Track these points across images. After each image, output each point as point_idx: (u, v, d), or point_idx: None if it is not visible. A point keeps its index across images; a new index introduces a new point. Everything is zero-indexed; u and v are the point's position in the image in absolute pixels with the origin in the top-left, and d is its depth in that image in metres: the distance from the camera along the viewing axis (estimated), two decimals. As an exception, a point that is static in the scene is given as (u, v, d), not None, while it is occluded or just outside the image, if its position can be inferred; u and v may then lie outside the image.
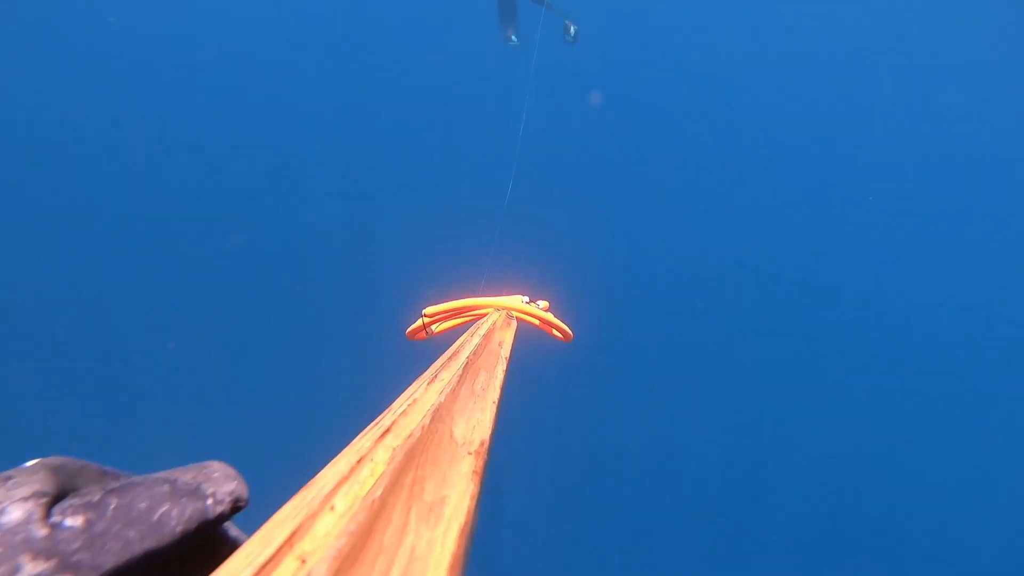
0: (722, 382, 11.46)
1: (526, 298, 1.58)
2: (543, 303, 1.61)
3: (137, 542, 0.41)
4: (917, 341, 11.99)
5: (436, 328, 1.49)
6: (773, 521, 10.69)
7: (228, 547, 0.50)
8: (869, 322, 12.03)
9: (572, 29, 5.42)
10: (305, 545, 0.36)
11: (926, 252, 12.23)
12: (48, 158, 8.82)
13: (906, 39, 11.50)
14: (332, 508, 0.40)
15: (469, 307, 1.47)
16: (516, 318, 1.43)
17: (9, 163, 8.63)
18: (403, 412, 0.62)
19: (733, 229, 11.96)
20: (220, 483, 0.49)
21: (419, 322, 1.47)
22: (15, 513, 0.37)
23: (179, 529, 0.43)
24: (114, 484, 0.44)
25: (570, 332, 1.54)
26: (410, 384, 0.77)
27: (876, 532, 10.70)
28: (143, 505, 0.43)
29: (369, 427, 0.59)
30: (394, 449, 0.51)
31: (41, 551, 0.35)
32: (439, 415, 0.63)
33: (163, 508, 0.43)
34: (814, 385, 11.37)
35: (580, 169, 11.29)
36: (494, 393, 0.78)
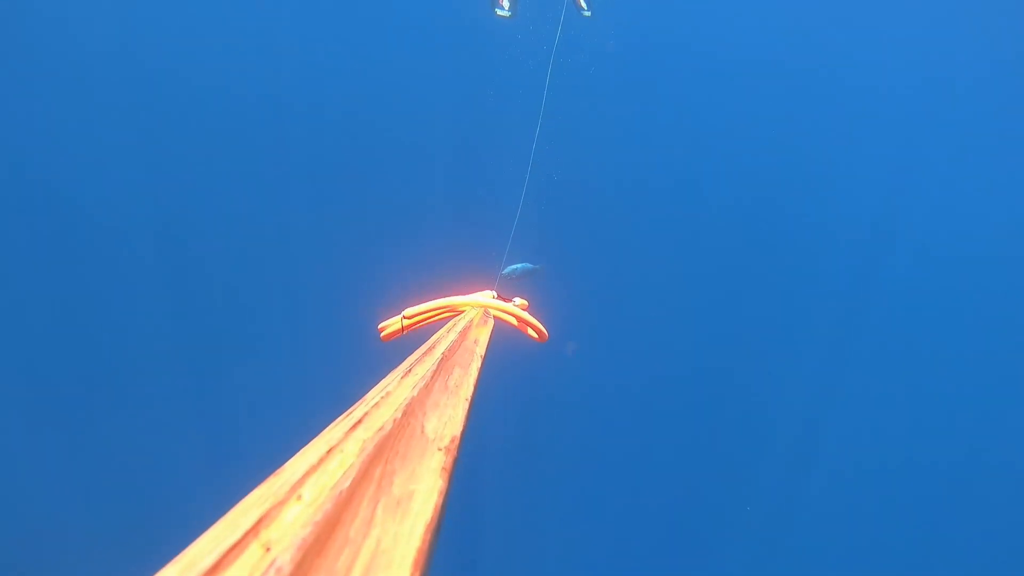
0: (706, 380, 11.47)
1: (493, 294, 1.59)
2: (521, 301, 1.62)
3: None
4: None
5: (411, 327, 1.50)
6: (755, 515, 10.80)
7: None
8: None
9: (583, 2, 5.35)
10: (271, 533, 0.36)
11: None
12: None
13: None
14: (299, 497, 0.40)
15: (448, 306, 1.47)
16: (494, 316, 1.44)
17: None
18: (375, 404, 0.62)
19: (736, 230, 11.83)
20: None
21: (396, 321, 1.47)
22: None
23: None
24: None
25: (545, 332, 1.55)
26: (384, 376, 0.77)
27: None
28: None
29: (340, 418, 0.59)
30: (364, 441, 0.51)
31: None
32: (411, 409, 0.63)
33: None
34: (799, 390, 11.42)
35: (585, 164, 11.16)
36: (468, 390, 0.79)
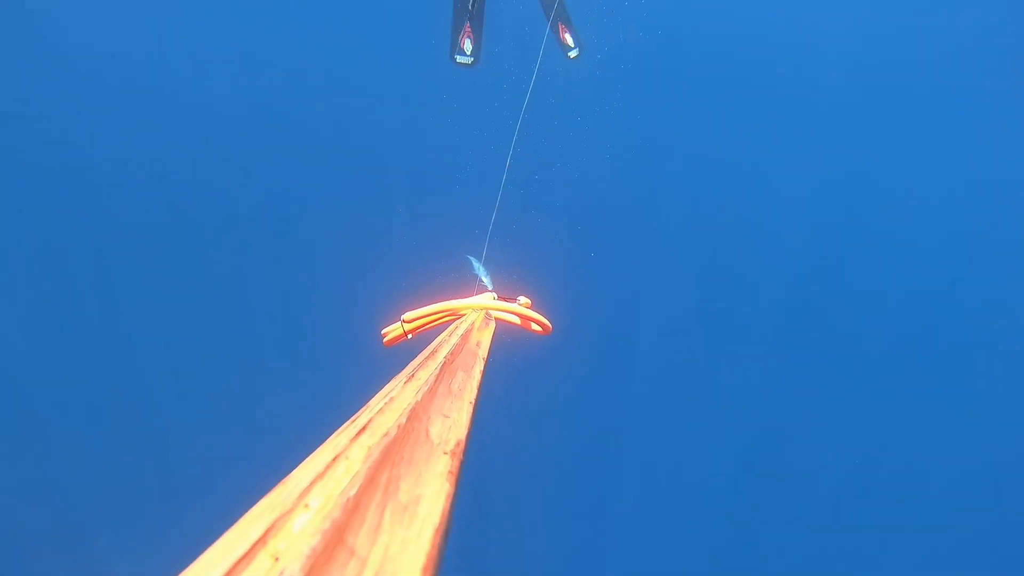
0: (719, 373, 11.20)
1: (493, 295, 1.59)
2: (524, 300, 1.62)
3: None
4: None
5: (414, 332, 1.49)
6: (777, 518, 10.59)
7: None
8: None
9: (571, 40, 4.80)
10: (279, 543, 0.36)
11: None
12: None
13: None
14: (307, 506, 0.40)
15: (448, 310, 1.47)
16: (495, 319, 1.44)
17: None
18: (380, 410, 0.62)
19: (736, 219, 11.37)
20: None
21: (398, 327, 1.47)
22: None
23: None
24: None
25: (549, 324, 1.55)
26: (387, 382, 0.77)
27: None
28: None
29: (345, 425, 0.59)
30: (370, 447, 0.51)
31: None
32: (415, 414, 0.63)
33: None
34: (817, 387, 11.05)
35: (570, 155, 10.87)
36: (471, 393, 0.79)
